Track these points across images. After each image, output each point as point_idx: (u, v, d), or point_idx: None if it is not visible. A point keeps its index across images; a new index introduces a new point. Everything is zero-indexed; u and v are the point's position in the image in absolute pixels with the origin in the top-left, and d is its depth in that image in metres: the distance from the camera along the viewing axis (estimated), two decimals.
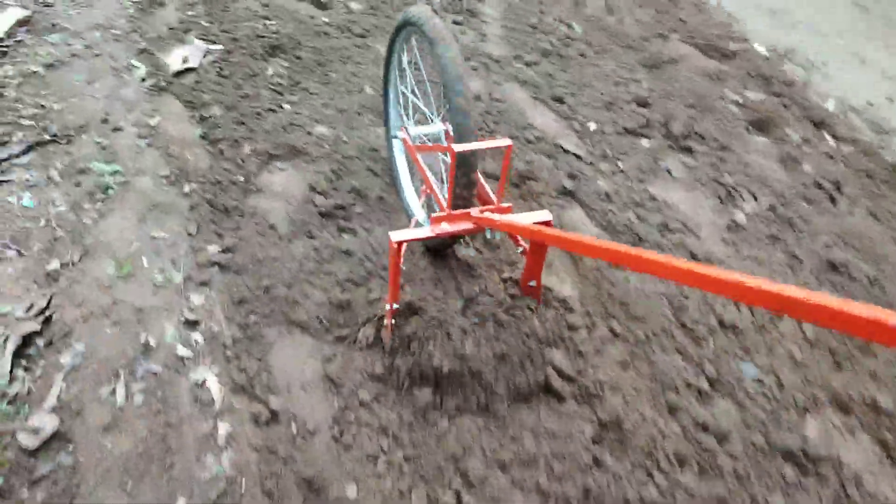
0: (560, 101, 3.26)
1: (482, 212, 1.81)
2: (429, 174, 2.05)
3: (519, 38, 3.71)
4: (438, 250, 2.24)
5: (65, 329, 1.92)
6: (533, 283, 1.96)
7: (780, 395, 2.04)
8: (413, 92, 2.24)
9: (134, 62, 3.08)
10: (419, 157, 2.11)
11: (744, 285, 0.87)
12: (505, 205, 1.83)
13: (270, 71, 3.13)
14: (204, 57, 3.16)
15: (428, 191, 2.08)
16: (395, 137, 2.50)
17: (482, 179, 1.99)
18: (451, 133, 1.84)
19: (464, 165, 1.78)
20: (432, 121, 2.16)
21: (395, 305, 1.85)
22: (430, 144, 2.18)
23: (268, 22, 3.45)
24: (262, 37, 3.30)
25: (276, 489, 1.68)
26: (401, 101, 2.41)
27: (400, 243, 1.74)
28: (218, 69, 3.07)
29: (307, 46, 3.32)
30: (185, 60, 3.10)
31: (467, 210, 1.82)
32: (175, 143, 2.66)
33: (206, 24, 3.36)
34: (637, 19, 4.07)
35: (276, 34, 3.34)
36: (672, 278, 1.03)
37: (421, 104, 2.20)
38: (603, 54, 3.70)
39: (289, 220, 2.39)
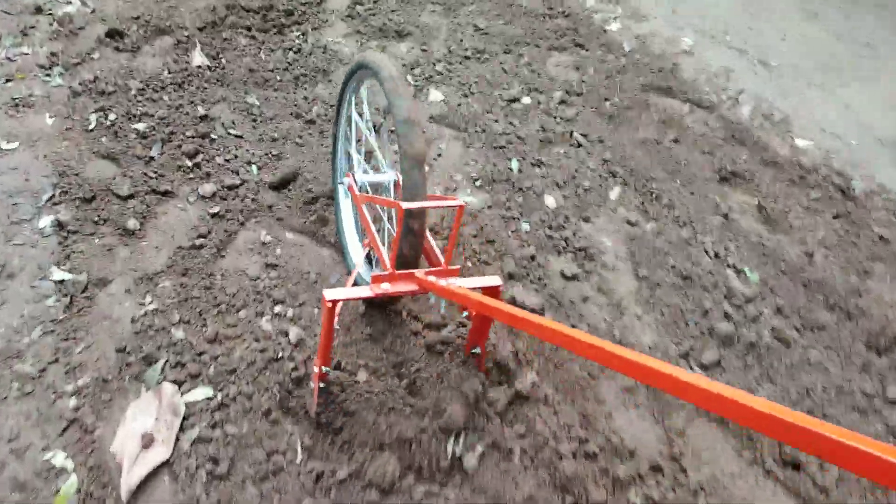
0: (796, 467, 1.77)
1: (427, 274, 1.70)
2: (372, 227, 1.94)
3: (670, 305, 2.36)
4: (379, 305, 2.13)
5: None
6: (477, 350, 1.91)
7: None
8: (362, 138, 2.21)
9: None
10: (364, 208, 2.00)
11: (703, 390, 0.83)
12: (453, 267, 1.72)
13: None
14: None
15: (370, 245, 1.96)
16: (342, 183, 2.42)
17: (430, 238, 1.88)
18: (402, 185, 1.77)
19: (412, 222, 1.70)
20: (384, 169, 2.08)
21: (326, 369, 1.76)
22: (377, 195, 2.10)
23: None
24: None
25: None
26: (351, 145, 2.31)
27: (335, 302, 1.64)
28: None
29: None
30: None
31: (411, 271, 1.72)
32: None
33: None
34: (836, 257, 2.62)
35: None
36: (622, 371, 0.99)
37: (374, 147, 2.12)
38: (815, 337, 2.21)
39: None
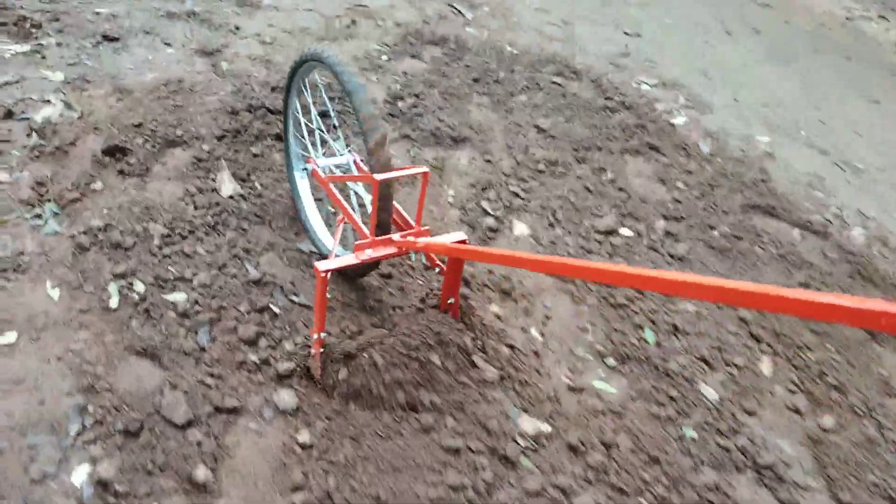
0: None
1: (403, 236, 1.95)
2: (345, 203, 2.15)
3: None
4: (354, 276, 2.33)
5: None
6: (451, 301, 2.12)
7: None
8: (317, 125, 2.38)
9: None
10: (332, 187, 2.20)
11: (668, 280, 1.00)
12: (423, 228, 1.98)
13: None
14: None
15: (346, 220, 2.13)
16: (303, 170, 2.55)
17: (397, 205, 2.08)
18: (361, 163, 2.25)
19: (384, 192, 1.88)
20: (339, 153, 2.36)
21: (322, 335, 1.93)
22: (341, 174, 2.32)
23: None
24: None
25: None
26: (303, 135, 2.46)
27: (327, 272, 1.82)
28: None
29: None
30: None
31: (389, 235, 1.94)
32: None
33: None
34: None
35: None
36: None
37: (327, 136, 2.41)
38: None
39: None
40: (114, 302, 2.17)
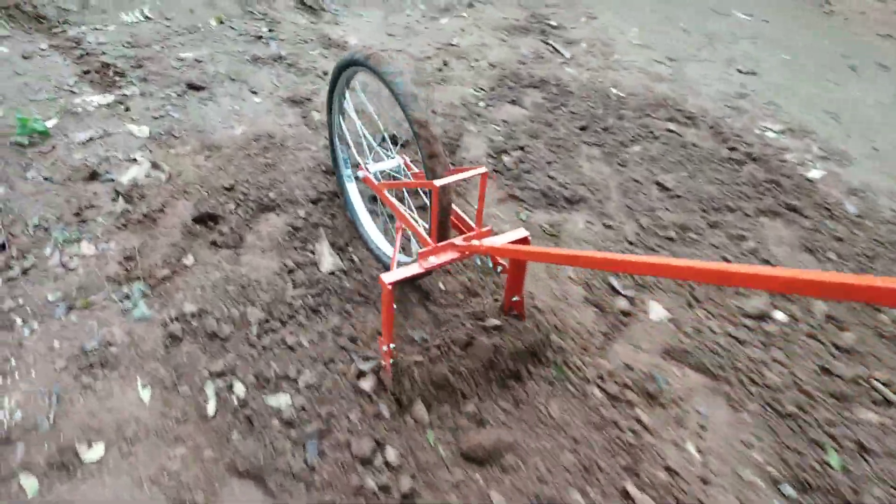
0: None
1: (466, 240, 1.89)
2: (403, 210, 2.09)
3: None
4: (410, 282, 2.29)
5: None
6: (516, 299, 2.11)
7: None
8: (361, 129, 2.36)
9: None
10: (387, 194, 2.16)
11: (744, 274, 1.03)
12: (484, 229, 1.93)
13: None
14: None
15: (405, 228, 2.07)
16: (354, 179, 2.58)
17: (456, 208, 2.05)
18: (412, 164, 2.23)
19: (444, 197, 1.86)
20: (388, 156, 2.31)
21: (392, 346, 1.91)
22: (394, 180, 2.32)
23: None
24: None
25: None
26: (349, 142, 2.49)
27: (393, 284, 1.80)
28: None
29: None
30: None
31: (450, 241, 1.90)
32: None
33: None
34: None
35: None
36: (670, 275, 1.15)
37: (373, 141, 2.37)
38: None
39: None
40: (211, 407, 1.92)
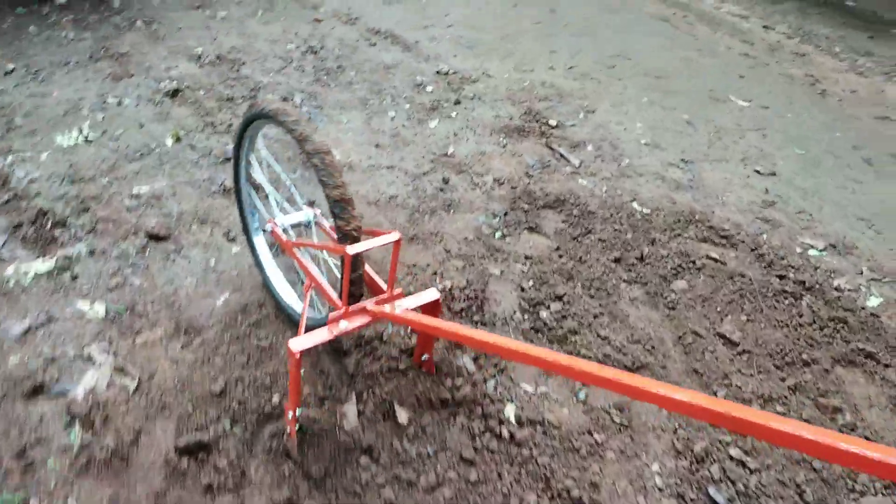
0: None
1: (378, 303, 1.90)
2: (312, 268, 2.09)
3: None
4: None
5: None
6: (426, 357, 2.20)
7: None
8: (267, 181, 2.34)
9: None
10: (297, 252, 2.13)
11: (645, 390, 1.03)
12: (396, 292, 1.94)
13: None
14: None
15: (314, 287, 2.07)
16: (262, 232, 2.53)
17: (368, 268, 2.04)
18: (322, 218, 2.18)
19: (356, 262, 1.85)
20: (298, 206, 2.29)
21: (299, 412, 1.93)
22: (303, 237, 2.30)
23: None
24: None
25: None
26: (256, 192, 2.49)
27: (300, 352, 1.79)
28: None
29: None
30: None
31: (362, 304, 1.90)
32: None
33: None
34: None
35: None
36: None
37: (278, 196, 2.31)
38: None
39: None
40: None
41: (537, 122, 4.05)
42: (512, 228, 3.15)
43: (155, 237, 2.76)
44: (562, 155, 3.75)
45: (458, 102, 4.15)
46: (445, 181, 3.42)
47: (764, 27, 6.21)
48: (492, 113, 4.09)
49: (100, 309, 2.40)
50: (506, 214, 3.23)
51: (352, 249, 1.78)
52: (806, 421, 2.38)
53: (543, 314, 2.66)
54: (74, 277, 2.52)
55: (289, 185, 2.26)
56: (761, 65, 5.32)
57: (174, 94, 3.75)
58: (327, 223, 2.21)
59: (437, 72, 4.44)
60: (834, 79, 5.26)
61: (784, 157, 4.04)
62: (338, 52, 4.50)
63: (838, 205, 3.66)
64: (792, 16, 6.44)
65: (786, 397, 2.46)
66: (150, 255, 2.70)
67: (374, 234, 2.06)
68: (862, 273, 3.17)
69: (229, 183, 3.16)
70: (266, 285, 2.55)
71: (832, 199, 3.71)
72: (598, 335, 2.59)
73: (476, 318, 2.61)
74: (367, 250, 1.82)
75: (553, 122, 4.04)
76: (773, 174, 3.86)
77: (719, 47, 5.55)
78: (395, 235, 1.85)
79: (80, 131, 3.34)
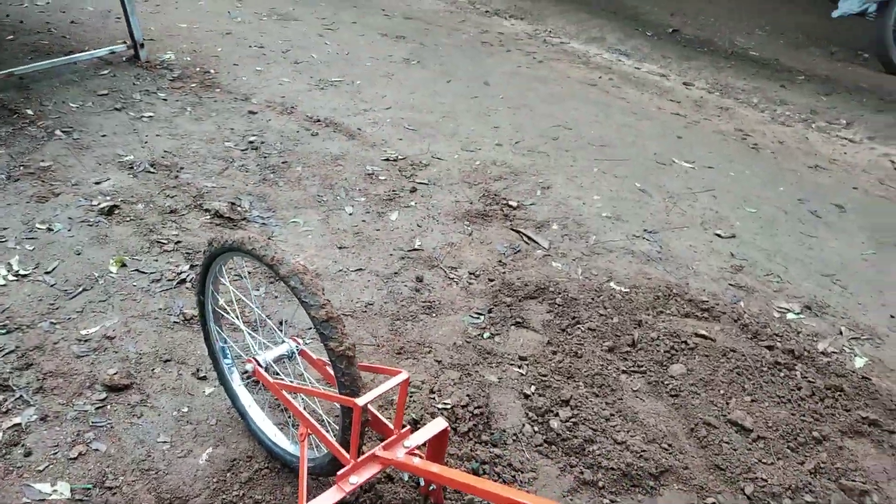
0: None
1: (387, 447, 1.78)
2: (309, 417, 1.89)
3: None
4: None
5: None
6: (433, 487, 2.04)
7: None
8: (238, 316, 2.29)
9: None
10: (286, 395, 1.95)
11: None
12: (403, 431, 1.83)
13: None
14: None
15: (309, 433, 1.88)
16: (239, 372, 2.36)
17: (373, 408, 1.94)
18: (307, 349, 2.04)
19: (365, 413, 1.76)
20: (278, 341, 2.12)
21: None
22: (287, 365, 2.15)
23: None
24: None
25: None
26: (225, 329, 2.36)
27: None
28: None
29: None
30: None
31: (372, 452, 1.76)
32: None
33: None
34: None
35: None
36: None
37: (249, 332, 2.24)
38: None
39: None
40: None
41: (497, 203, 4.00)
42: (499, 326, 3.03)
43: (114, 388, 2.47)
44: (530, 238, 3.70)
45: (413, 190, 4.05)
46: (419, 279, 3.28)
47: (684, 84, 6.51)
48: (450, 198, 4.01)
49: (64, 490, 2.08)
50: (490, 311, 3.11)
51: (362, 400, 1.67)
52: None
53: (554, 423, 2.53)
54: (28, 454, 2.20)
55: (265, 317, 2.13)
56: (693, 123, 5.54)
57: (110, 211, 3.46)
58: (313, 353, 2.09)
59: (386, 159, 4.34)
60: (761, 131, 5.53)
61: (740, 218, 4.15)
62: (280, 146, 4.34)
63: (801, 262, 3.77)
64: (706, 71, 6.80)
65: (810, 483, 2.41)
66: (111, 411, 2.40)
67: (373, 370, 2.01)
68: (842, 333, 3.24)
69: (189, 310, 2.90)
70: (251, 430, 2.33)
71: (794, 257, 3.81)
72: (615, 441, 2.48)
73: (485, 437, 2.45)
74: (378, 396, 1.72)
75: (513, 203, 4.00)
76: (734, 236, 3.95)
77: (651, 108, 5.75)
78: (403, 375, 1.78)
79: (10, 267, 3.00)
